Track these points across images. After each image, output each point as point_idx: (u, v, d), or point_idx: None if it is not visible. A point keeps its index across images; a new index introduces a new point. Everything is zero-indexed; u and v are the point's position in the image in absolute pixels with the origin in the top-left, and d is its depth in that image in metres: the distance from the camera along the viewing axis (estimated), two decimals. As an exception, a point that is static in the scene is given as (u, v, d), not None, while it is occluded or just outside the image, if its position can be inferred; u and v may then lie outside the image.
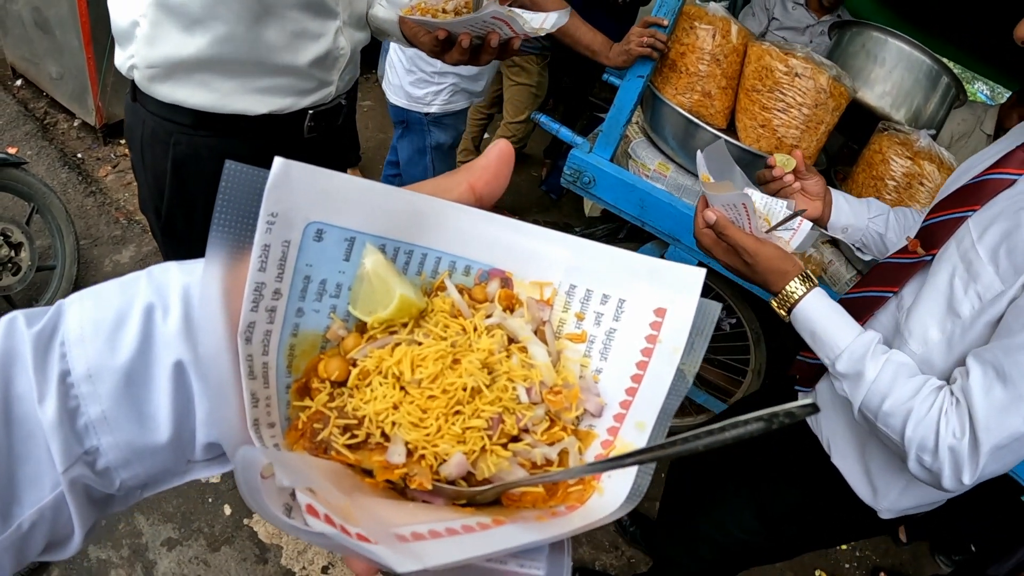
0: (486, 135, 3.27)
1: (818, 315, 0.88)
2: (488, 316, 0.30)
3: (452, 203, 0.29)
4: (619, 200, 1.65)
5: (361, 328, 0.29)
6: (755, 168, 1.27)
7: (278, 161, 0.24)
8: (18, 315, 0.28)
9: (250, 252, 0.25)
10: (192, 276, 0.29)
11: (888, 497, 0.98)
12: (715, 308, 0.29)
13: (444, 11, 0.87)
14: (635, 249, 1.83)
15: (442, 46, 0.88)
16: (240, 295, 0.25)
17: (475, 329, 0.29)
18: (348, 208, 0.27)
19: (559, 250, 0.30)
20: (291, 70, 0.96)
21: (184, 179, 0.99)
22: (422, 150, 2.04)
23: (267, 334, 0.26)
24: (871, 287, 0.98)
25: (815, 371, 1.08)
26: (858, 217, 1.15)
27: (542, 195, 3.46)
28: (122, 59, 0.95)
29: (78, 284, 2.20)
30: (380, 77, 2.14)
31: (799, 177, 1.07)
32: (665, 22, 1.45)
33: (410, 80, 1.91)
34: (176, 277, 0.29)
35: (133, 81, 0.95)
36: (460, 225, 0.29)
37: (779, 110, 1.53)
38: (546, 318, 0.30)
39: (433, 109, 1.95)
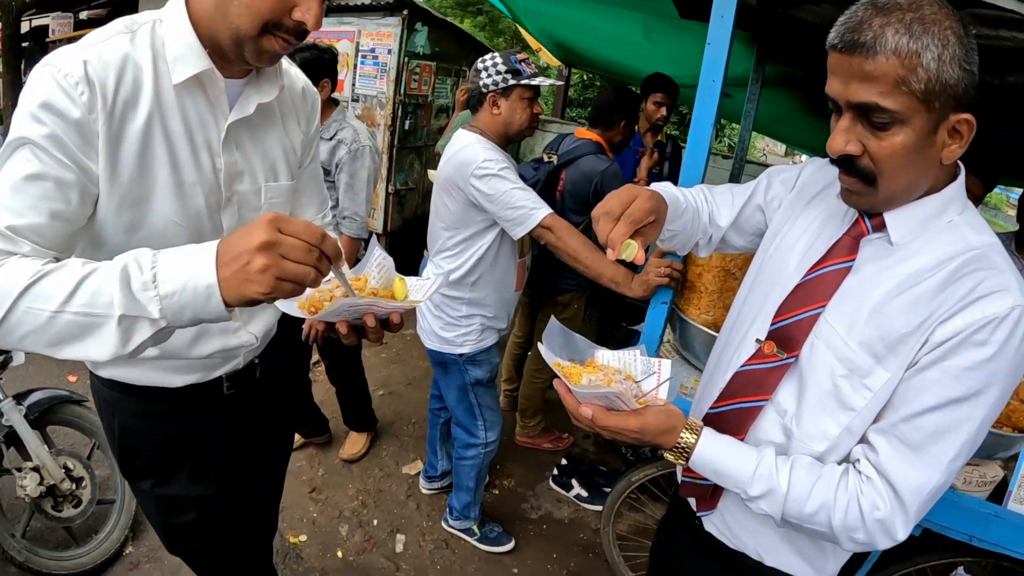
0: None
1: (715, 455, 0.91)
2: None
3: None
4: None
5: None
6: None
7: None
8: None
9: None
10: None
11: (828, 565, 1.03)
12: None
13: (329, 301, 0.90)
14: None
15: (327, 331, 1.00)
16: None
17: None
18: None
19: None
20: (197, 357, 1.15)
21: (127, 433, 1.22)
22: (463, 387, 2.12)
23: None
24: (739, 398, 1.00)
25: (711, 490, 1.07)
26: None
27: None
28: None
29: (137, 518, 2.22)
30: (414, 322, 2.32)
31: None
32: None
33: (439, 325, 2.05)
34: None
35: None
36: None
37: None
38: None
39: (466, 349, 2.05)
